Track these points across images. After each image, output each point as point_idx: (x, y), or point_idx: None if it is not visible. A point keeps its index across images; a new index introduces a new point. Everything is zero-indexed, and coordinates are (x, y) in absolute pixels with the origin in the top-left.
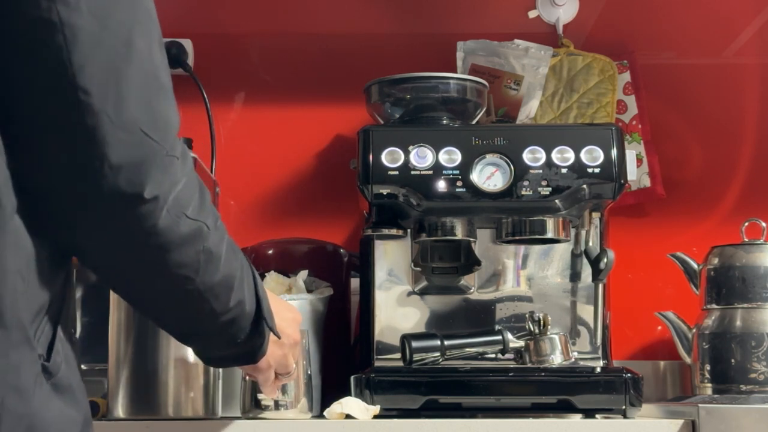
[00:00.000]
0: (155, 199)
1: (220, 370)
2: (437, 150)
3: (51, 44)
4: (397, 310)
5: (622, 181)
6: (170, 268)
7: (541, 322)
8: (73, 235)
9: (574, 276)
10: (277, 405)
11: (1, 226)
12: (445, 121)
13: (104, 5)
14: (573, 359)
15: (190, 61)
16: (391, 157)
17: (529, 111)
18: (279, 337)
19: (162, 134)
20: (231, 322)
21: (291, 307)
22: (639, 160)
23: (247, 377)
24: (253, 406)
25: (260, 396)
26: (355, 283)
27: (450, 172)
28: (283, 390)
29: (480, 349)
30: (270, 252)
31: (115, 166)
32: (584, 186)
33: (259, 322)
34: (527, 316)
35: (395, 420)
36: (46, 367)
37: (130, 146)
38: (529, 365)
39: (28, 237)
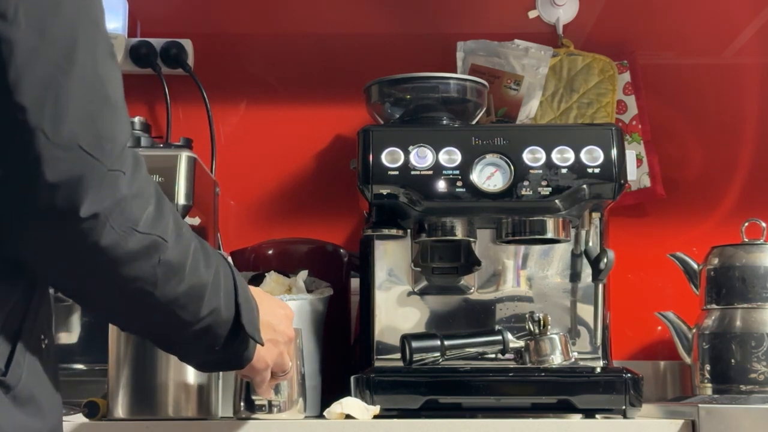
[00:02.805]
0: (94, 216)
1: None
2: (437, 150)
3: None
4: (397, 310)
5: (622, 181)
6: (124, 283)
7: (541, 322)
8: (22, 250)
9: (574, 276)
10: (270, 406)
11: None
12: (445, 121)
13: (44, 18)
14: (573, 359)
15: (190, 61)
16: (391, 157)
17: (529, 111)
18: (262, 344)
19: (105, 150)
20: (205, 331)
21: (283, 304)
22: (639, 160)
23: (241, 378)
24: (246, 408)
25: (254, 397)
26: (355, 283)
27: (450, 172)
28: (277, 390)
29: (480, 349)
30: (270, 252)
31: (51, 184)
32: (584, 186)
33: (239, 330)
34: (527, 316)
35: (395, 420)
36: (3, 381)
37: (67, 164)
38: (529, 365)
39: None
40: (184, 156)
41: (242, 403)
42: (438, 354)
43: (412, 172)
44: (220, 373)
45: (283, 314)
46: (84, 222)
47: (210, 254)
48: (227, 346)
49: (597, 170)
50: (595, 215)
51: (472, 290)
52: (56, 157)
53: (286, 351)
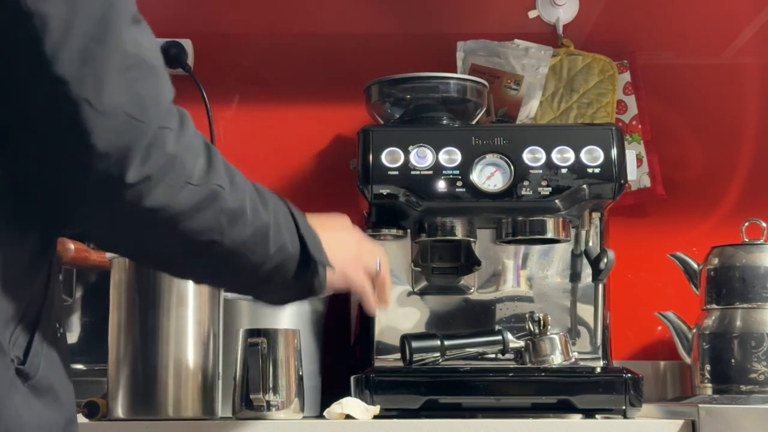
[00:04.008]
0: (148, 178)
1: (220, 369)
2: (437, 150)
3: (23, 36)
4: (397, 310)
5: (622, 181)
6: (191, 237)
7: (541, 322)
8: (84, 226)
9: (574, 276)
10: (269, 405)
11: None
12: (445, 121)
13: None
14: (573, 359)
15: (190, 61)
16: (391, 157)
17: (529, 111)
18: (332, 267)
19: (149, 112)
20: (277, 268)
21: (339, 219)
22: (639, 160)
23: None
24: (244, 407)
25: (252, 396)
26: None
27: (450, 172)
28: (275, 390)
29: (480, 349)
30: None
31: (102, 153)
32: (584, 186)
33: (308, 261)
34: (527, 316)
35: (395, 420)
36: (22, 370)
37: (115, 131)
38: (529, 365)
39: (14, 239)
40: None
41: (242, 403)
42: (438, 354)
43: (412, 172)
44: (220, 372)
45: (340, 225)
46: (139, 185)
47: (266, 195)
48: (299, 277)
49: (597, 170)
50: (595, 215)
51: (472, 290)
52: (103, 126)
53: (362, 250)
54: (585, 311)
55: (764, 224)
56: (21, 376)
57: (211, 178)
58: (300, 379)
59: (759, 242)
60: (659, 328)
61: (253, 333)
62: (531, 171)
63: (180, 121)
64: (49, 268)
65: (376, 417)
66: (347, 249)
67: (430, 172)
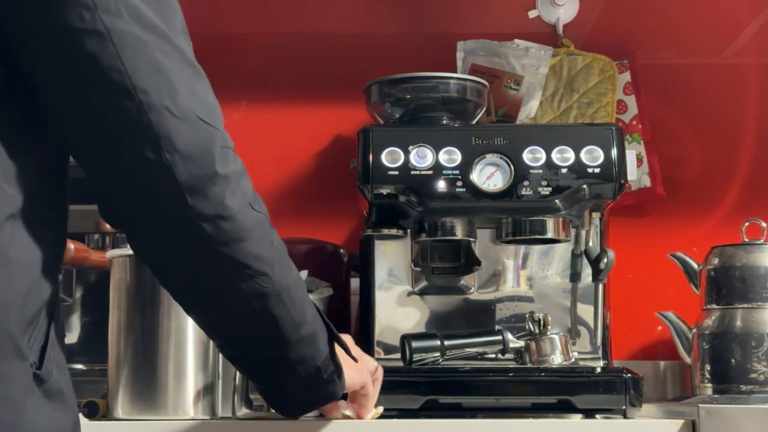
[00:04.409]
0: (226, 180)
1: (219, 369)
2: (437, 150)
3: (104, 54)
4: (397, 310)
5: (622, 181)
6: (248, 261)
7: (541, 322)
8: (146, 236)
9: (574, 276)
10: (268, 405)
11: None
12: (445, 121)
13: (138, 6)
14: (573, 359)
15: None
16: (391, 157)
17: (529, 111)
18: (356, 360)
19: (215, 119)
20: (309, 339)
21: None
22: (639, 160)
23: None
24: (244, 407)
25: (252, 396)
26: (355, 283)
27: (450, 172)
28: None
29: (480, 349)
30: None
31: (185, 155)
32: (584, 186)
33: (333, 345)
34: (527, 316)
35: (395, 420)
36: (38, 375)
37: (192, 134)
38: (529, 365)
39: (28, 245)
40: None
41: (242, 403)
42: (438, 354)
43: (412, 172)
44: (220, 372)
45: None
46: (218, 184)
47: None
48: (327, 365)
49: (597, 170)
50: (595, 215)
51: (472, 290)
52: (183, 130)
53: (362, 353)
54: (585, 311)
55: (764, 224)
56: (37, 381)
57: (263, 210)
58: None
59: (759, 242)
60: (659, 328)
61: None
62: (531, 171)
63: (233, 146)
64: (61, 270)
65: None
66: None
67: (430, 172)
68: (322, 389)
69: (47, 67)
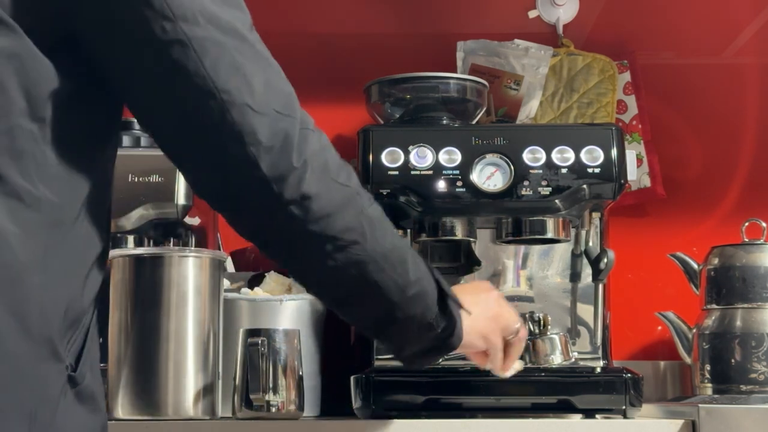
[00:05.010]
0: (304, 164)
1: (219, 369)
2: (437, 150)
3: (187, 61)
4: None
5: (622, 181)
6: (337, 234)
7: (541, 322)
8: (245, 223)
9: (574, 276)
10: (269, 405)
11: (31, 245)
12: (445, 121)
13: (212, 11)
14: (573, 359)
15: None
16: (391, 157)
17: (529, 111)
18: (469, 312)
19: (291, 108)
20: (417, 298)
21: (480, 286)
22: (639, 160)
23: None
24: (244, 407)
25: (252, 396)
26: None
27: (450, 172)
28: (275, 390)
29: None
30: None
31: (267, 147)
32: (584, 186)
33: (445, 301)
34: (527, 316)
35: (395, 420)
36: (73, 377)
37: (272, 126)
38: (529, 365)
39: (69, 255)
40: None
41: (242, 403)
42: None
43: (412, 172)
44: (220, 373)
45: (482, 287)
46: (297, 170)
47: (392, 227)
48: (438, 321)
49: (597, 170)
50: (595, 215)
51: None
52: (263, 123)
53: (503, 312)
54: (585, 311)
55: (764, 224)
56: (71, 383)
57: (351, 181)
58: (300, 379)
59: (759, 242)
60: (659, 328)
61: (253, 333)
62: (531, 171)
63: (315, 126)
64: (103, 272)
65: (377, 416)
66: (487, 308)
67: (430, 172)
68: (438, 344)
69: (136, 77)
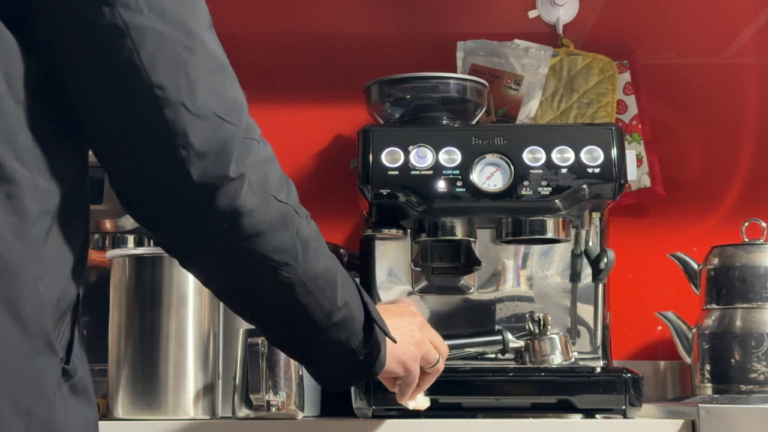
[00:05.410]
0: (241, 177)
1: (220, 369)
2: (437, 150)
3: (121, 48)
4: None
5: (622, 181)
6: (268, 254)
7: (541, 322)
8: (167, 231)
9: (574, 276)
10: (269, 405)
11: (25, 234)
12: (445, 121)
13: (161, 2)
14: (573, 359)
15: None
16: (391, 157)
17: (529, 111)
18: (395, 341)
19: (235, 116)
20: (342, 324)
21: (402, 306)
22: (639, 160)
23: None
24: (244, 407)
25: (252, 396)
26: None
27: (450, 172)
28: (275, 390)
29: (480, 349)
30: None
31: (200, 152)
32: (584, 186)
33: (371, 328)
34: (527, 316)
35: (395, 420)
36: (66, 370)
37: (209, 131)
38: (529, 365)
39: (61, 243)
40: None
41: (242, 403)
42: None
43: (412, 172)
44: (220, 372)
45: (405, 310)
46: (233, 182)
47: (331, 253)
48: (361, 348)
49: (597, 170)
50: (595, 215)
51: (472, 290)
52: (199, 127)
53: (425, 340)
54: (585, 311)
55: (764, 224)
56: (65, 376)
57: (290, 200)
58: (300, 379)
59: (759, 242)
60: (659, 328)
61: (253, 333)
62: (531, 171)
63: (260, 136)
64: (86, 260)
65: (377, 416)
66: (410, 334)
67: (430, 172)
68: (358, 370)
69: (70, 62)
